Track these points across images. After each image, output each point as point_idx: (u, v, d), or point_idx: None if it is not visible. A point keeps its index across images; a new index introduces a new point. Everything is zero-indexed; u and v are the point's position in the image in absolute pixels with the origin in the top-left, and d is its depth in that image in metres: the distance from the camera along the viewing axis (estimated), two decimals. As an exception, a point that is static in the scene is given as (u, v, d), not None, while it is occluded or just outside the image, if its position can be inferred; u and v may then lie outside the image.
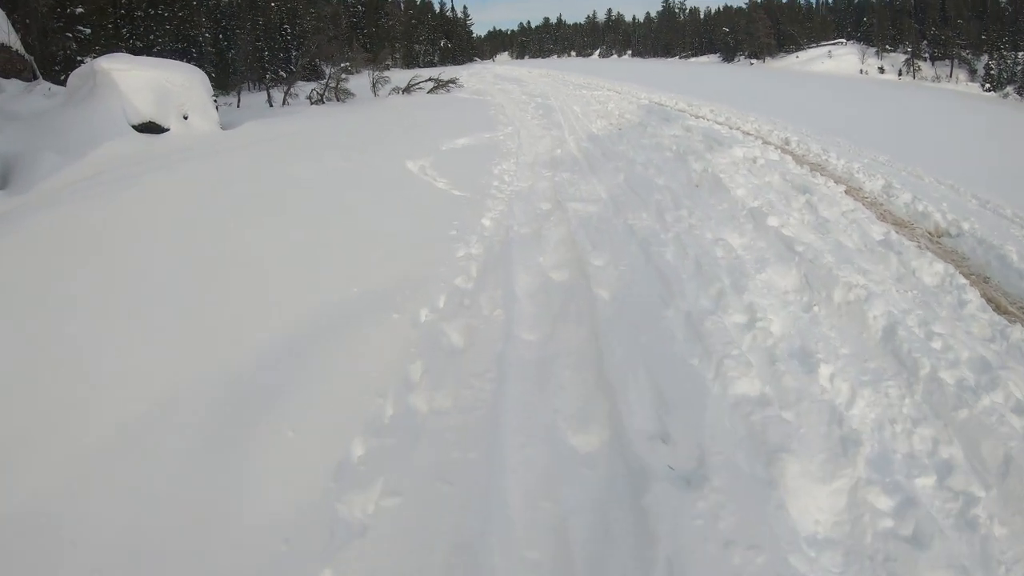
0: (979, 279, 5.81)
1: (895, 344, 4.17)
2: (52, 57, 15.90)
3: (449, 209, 6.62)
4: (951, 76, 41.31)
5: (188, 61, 25.05)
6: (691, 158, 9.37)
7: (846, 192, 7.70)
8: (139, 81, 10.57)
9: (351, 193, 7.04)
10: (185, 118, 11.78)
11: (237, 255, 4.96)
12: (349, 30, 52.88)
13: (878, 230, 6.40)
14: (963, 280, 5.35)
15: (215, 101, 21.68)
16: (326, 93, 21.14)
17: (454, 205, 6.79)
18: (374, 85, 23.70)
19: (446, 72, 29.46)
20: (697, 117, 14.91)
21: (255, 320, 4.17)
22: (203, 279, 4.57)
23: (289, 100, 21.72)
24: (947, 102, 25.54)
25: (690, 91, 22.04)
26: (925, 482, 3.14)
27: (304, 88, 22.12)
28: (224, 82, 24.89)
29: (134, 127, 10.45)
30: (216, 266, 4.76)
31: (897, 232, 6.47)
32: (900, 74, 44.82)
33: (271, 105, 21.02)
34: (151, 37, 23.89)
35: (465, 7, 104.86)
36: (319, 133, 11.76)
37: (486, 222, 6.22)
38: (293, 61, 28.15)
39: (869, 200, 7.66)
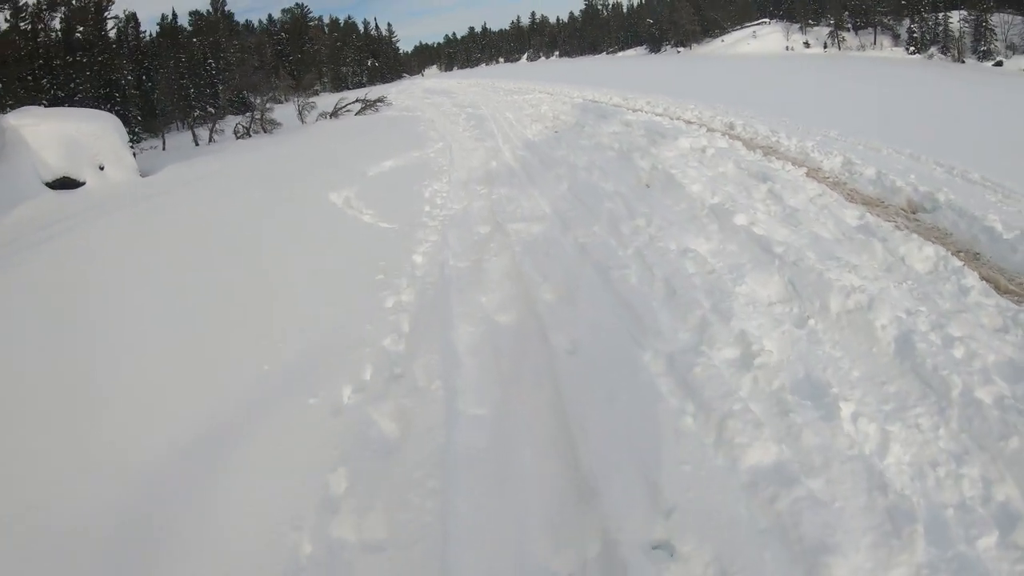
0: (970, 256, 5.16)
1: (914, 359, 3.43)
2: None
3: (376, 246, 5.69)
4: (875, 43, 41.95)
5: (111, 106, 23.77)
6: (636, 155, 8.63)
7: (807, 175, 7.03)
8: (49, 135, 9.79)
9: (268, 238, 6.08)
10: (101, 168, 10.73)
11: (122, 338, 3.99)
12: (275, 59, 51.25)
13: (851, 214, 5.72)
14: (957, 262, 4.68)
15: (132, 147, 20.44)
16: (252, 126, 19.99)
17: (381, 241, 5.86)
18: (300, 112, 22.57)
19: (374, 91, 28.40)
20: (635, 111, 14.25)
21: (134, 435, 3.21)
22: (74, 380, 3.59)
23: (215, 137, 20.54)
24: (876, 69, 25.65)
25: (622, 85, 21.45)
26: (987, 542, 2.41)
27: (233, 123, 20.91)
28: (151, 124, 23.47)
29: (48, 184, 9.55)
30: (91, 360, 3.78)
31: (871, 213, 5.81)
32: (825, 47, 45.36)
33: (197, 144, 19.92)
34: (71, 85, 22.33)
35: (389, 24, 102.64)
36: (240, 170, 10.72)
37: (418, 258, 5.30)
38: (219, 96, 26.75)
39: (832, 180, 7.00)
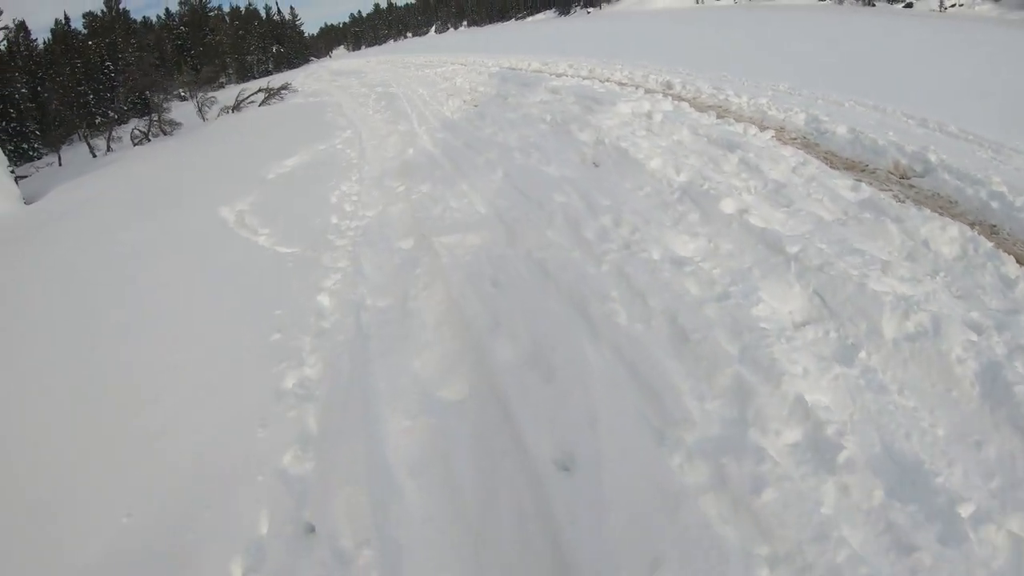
0: (987, 230, 4.23)
1: (1011, 405, 2.43)
2: None
3: (271, 284, 4.25)
4: None
5: (7, 123, 20.64)
6: (574, 127, 7.38)
7: (776, 138, 5.99)
8: None
9: (133, 298, 4.51)
10: None
11: None
12: (175, 54, 46.70)
13: (843, 184, 4.70)
14: (987, 243, 3.73)
15: (32, 165, 17.70)
16: (151, 129, 17.60)
17: (279, 274, 4.41)
18: (200, 109, 20.10)
19: (280, 79, 25.89)
20: (558, 75, 12.91)
21: None
22: None
23: (113, 145, 18.03)
24: (794, 16, 25.11)
25: (538, 49, 20.01)
26: None
27: (136, 126, 18.43)
28: (51, 138, 20.46)
29: None
30: None
31: (864, 182, 4.82)
32: None
33: (95, 155, 17.52)
34: None
35: (292, 7, 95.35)
36: (126, 189, 8.87)
37: (324, 300, 3.92)
38: (120, 99, 23.72)
39: (803, 142, 5.98)
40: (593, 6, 54.63)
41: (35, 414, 3.16)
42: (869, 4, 37.29)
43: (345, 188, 6.44)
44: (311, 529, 2.20)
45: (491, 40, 30.53)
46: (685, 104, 7.85)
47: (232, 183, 7.43)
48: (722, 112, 7.31)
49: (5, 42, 23.60)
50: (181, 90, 25.84)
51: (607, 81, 11.01)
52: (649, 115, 7.32)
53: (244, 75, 52.84)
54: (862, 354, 2.81)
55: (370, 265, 4.32)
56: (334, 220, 5.39)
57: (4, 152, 17.87)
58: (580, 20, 45.44)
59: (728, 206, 4.19)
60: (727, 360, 2.57)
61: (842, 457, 2.10)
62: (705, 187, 4.57)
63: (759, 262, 3.54)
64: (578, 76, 12.52)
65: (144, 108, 21.95)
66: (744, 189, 4.70)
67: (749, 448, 2.14)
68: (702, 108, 7.62)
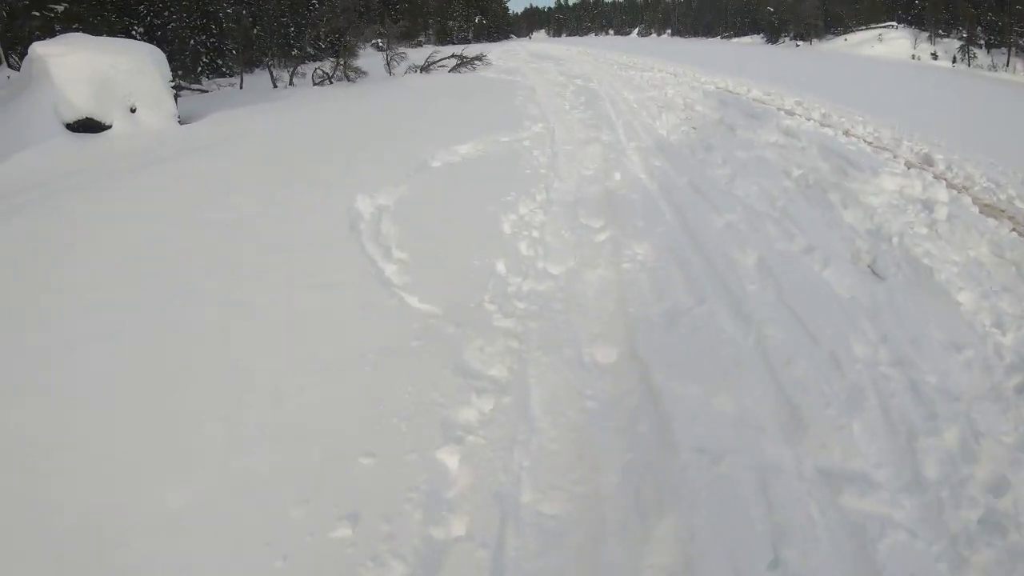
0: None
1: None
2: (21, 39, 12.14)
3: (381, 384, 2.47)
4: (1008, 65, 34.81)
5: (207, 38, 21.31)
6: (833, 197, 5.12)
7: None
8: (77, 69, 7.83)
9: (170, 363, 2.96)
10: (132, 111, 8.21)
11: None
12: (381, 5, 47.80)
13: None
14: None
15: (212, 81, 17.93)
16: (336, 72, 17.05)
17: (395, 359, 2.63)
18: (388, 63, 19.40)
19: (477, 49, 24.86)
20: (787, 113, 10.32)
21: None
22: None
23: (295, 80, 17.82)
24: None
25: (753, 74, 17.04)
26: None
27: (326, 65, 18.10)
28: (244, 57, 20.84)
29: (68, 126, 7.44)
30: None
31: None
32: (954, 61, 38.13)
33: (275, 86, 17.00)
34: (166, 14, 20.01)
35: None
36: (281, 135, 7.73)
37: (447, 460, 2.07)
38: (320, 38, 23.93)
39: None
40: (803, 40, 49.26)
41: None
42: None
43: (525, 211, 4.57)
44: None
45: (697, 54, 27.31)
46: (968, 198, 5.27)
47: (388, 161, 5.88)
48: (1016, 223, 4.68)
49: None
50: (379, 40, 25.39)
51: (849, 135, 8.33)
52: (928, 206, 4.88)
53: (443, 39, 53.03)
54: None
55: (541, 392, 2.42)
56: (500, 268, 3.54)
57: (184, 65, 18.12)
58: (789, 51, 40.65)
59: None
60: None
61: None
62: None
63: None
64: (810, 119, 9.85)
65: (336, 50, 21.81)
66: None
67: None
68: (985, 207, 5.03)
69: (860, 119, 10.06)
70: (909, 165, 6.93)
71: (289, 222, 4.21)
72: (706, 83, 14.33)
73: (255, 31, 22.77)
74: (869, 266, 4.02)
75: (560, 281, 3.45)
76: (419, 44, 42.30)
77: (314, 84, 16.32)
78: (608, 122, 8.71)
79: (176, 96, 9.45)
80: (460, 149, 6.60)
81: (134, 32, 17.35)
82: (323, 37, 22.25)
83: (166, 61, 9.41)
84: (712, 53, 28.41)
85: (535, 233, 4.16)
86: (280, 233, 4.00)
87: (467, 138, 7.02)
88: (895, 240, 4.24)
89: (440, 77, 16.91)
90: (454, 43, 47.72)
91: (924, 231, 4.43)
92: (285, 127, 8.29)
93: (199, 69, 20.37)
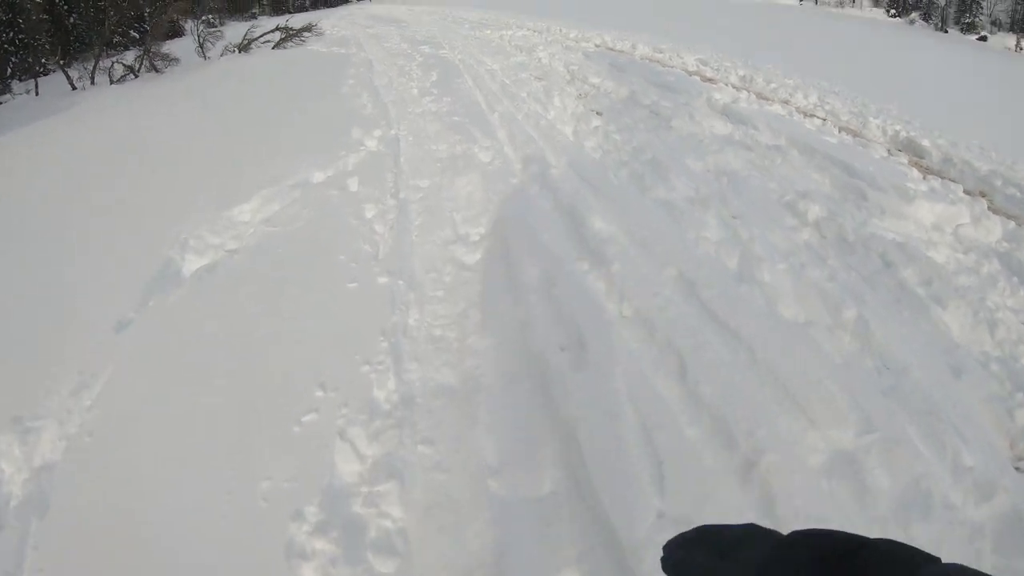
0: None
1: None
2: None
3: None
4: (854, 1, 35.62)
5: (15, 33, 16.13)
6: (876, 263, 2.67)
7: None
8: None
9: None
10: None
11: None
12: (201, -28, 40.04)
13: None
14: None
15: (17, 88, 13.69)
16: (143, 63, 13.12)
17: None
18: (201, 44, 14.90)
19: (312, 16, 20.45)
20: (706, 80, 7.83)
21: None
22: None
23: (97, 78, 13.47)
24: (880, 32, 19.61)
25: (623, 25, 14.50)
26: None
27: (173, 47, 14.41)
28: (67, 52, 17.02)
29: None
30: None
31: None
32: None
33: (73, 87, 13.06)
34: None
35: None
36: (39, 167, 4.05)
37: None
38: (146, 20, 18.63)
39: None
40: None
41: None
42: (941, 29, 32.30)
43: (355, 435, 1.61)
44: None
45: (546, 2, 23.64)
46: (996, 223, 3.12)
47: (126, 248, 2.66)
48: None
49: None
50: (209, 16, 20.97)
51: (812, 116, 6.01)
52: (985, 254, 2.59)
53: (279, 8, 45.99)
54: None
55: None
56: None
57: (8, 65, 13.52)
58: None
59: None
60: None
61: None
62: None
63: None
64: (730, 85, 7.49)
65: (142, 37, 16.93)
66: None
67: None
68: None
69: (790, 84, 7.83)
70: (917, 163, 4.74)
71: None
72: (581, 40, 11.52)
73: (71, 20, 17.69)
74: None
75: None
76: (253, 16, 36.15)
77: (112, 83, 12.20)
78: (478, 116, 5.61)
79: None
80: (237, 218, 3.36)
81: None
82: (125, 22, 17.23)
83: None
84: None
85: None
86: None
87: (255, 185, 3.76)
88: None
89: (259, 58, 12.93)
90: (291, 12, 41.20)
91: (995, 298, 2.07)
92: (40, 163, 4.67)
93: (8, 72, 15.33)
